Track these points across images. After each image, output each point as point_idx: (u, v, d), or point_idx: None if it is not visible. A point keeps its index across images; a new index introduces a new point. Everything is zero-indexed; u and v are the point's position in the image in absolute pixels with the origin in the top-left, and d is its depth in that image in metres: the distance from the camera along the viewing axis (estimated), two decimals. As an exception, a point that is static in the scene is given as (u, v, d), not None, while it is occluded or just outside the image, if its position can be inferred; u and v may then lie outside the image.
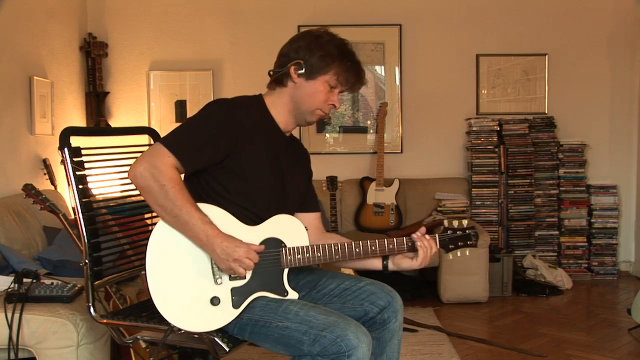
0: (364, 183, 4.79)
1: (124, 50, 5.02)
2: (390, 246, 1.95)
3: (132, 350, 2.55)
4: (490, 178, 4.87)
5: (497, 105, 5.08)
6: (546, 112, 5.04)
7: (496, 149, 4.86)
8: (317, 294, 2.01)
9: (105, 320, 2.00)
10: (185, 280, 1.81)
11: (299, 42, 1.94)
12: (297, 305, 1.80)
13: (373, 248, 1.94)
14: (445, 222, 2.01)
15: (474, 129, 4.89)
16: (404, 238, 1.95)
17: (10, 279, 2.43)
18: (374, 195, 4.73)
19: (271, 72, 1.99)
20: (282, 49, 1.98)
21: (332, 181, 4.44)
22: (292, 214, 2.04)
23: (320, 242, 1.93)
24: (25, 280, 2.42)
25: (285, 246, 1.89)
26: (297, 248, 1.89)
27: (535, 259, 4.69)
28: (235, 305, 1.83)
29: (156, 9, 5.03)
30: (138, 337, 2.05)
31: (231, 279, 1.83)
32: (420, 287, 4.48)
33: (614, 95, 5.08)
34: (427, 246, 1.93)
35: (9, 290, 2.35)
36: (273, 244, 1.88)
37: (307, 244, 1.91)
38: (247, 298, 1.84)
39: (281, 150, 2.00)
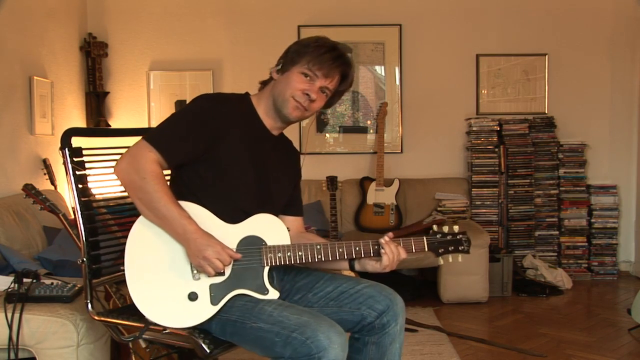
0: (364, 183, 4.79)
1: (124, 50, 5.02)
2: (376, 247, 1.90)
3: (132, 350, 2.55)
4: (490, 178, 4.87)
5: (497, 105, 5.08)
6: (546, 112, 5.04)
7: (496, 149, 4.86)
8: (313, 297, 1.98)
9: (96, 317, 2.01)
10: (163, 275, 1.81)
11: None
12: (272, 306, 1.77)
13: (357, 249, 1.90)
14: (435, 227, 1.96)
15: (474, 129, 4.89)
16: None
17: (10, 279, 2.42)
18: (374, 195, 4.73)
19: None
20: None
21: (332, 181, 4.44)
22: (277, 215, 2.02)
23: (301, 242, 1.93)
24: (25, 280, 2.42)
25: (265, 244, 1.87)
26: (278, 247, 1.87)
27: (535, 259, 4.69)
28: (214, 301, 1.81)
29: (156, 9, 5.03)
30: (137, 335, 2.05)
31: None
32: (420, 287, 4.49)
33: (614, 95, 5.08)
34: (393, 252, 1.87)
35: (9, 290, 2.35)
36: (253, 242, 1.87)
37: (288, 242, 1.89)
38: (225, 295, 1.82)
39: (267, 149, 2.00)
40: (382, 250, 1.87)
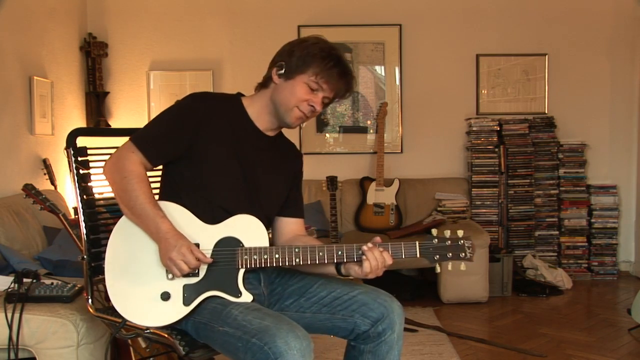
0: (364, 183, 4.79)
1: (124, 50, 5.02)
2: (360, 252, 1.79)
3: (132, 350, 2.55)
4: (490, 178, 4.87)
5: (497, 105, 5.08)
6: (546, 112, 5.04)
7: (496, 149, 4.86)
8: (305, 302, 1.92)
9: (94, 312, 2.02)
10: (139, 274, 1.82)
11: (285, 47, 1.95)
12: (239, 309, 1.73)
13: (339, 253, 1.81)
14: (434, 232, 1.81)
15: (474, 129, 4.89)
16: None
17: (10, 279, 2.42)
18: (374, 195, 4.73)
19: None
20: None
21: (332, 181, 4.44)
22: (270, 216, 2.01)
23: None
24: (25, 280, 2.42)
25: (242, 246, 1.83)
26: (254, 249, 1.82)
27: (535, 259, 4.69)
28: (186, 302, 1.80)
29: (156, 9, 5.03)
30: (113, 332, 2.04)
31: (184, 275, 1.79)
32: (420, 287, 4.49)
33: (614, 95, 5.08)
34: (377, 259, 1.77)
35: (9, 290, 2.34)
36: (230, 244, 1.83)
37: (267, 245, 1.84)
38: (198, 296, 1.80)
39: (256, 149, 1.96)
40: (364, 257, 1.78)
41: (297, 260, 1.81)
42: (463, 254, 1.80)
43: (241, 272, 1.83)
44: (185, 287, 1.81)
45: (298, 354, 1.58)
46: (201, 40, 5.04)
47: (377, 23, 5.03)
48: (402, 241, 1.83)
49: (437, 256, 1.81)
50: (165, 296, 1.79)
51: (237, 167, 1.92)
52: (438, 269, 1.83)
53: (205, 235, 1.84)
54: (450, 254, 1.80)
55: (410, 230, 4.54)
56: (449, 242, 1.81)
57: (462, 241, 1.81)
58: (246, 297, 1.82)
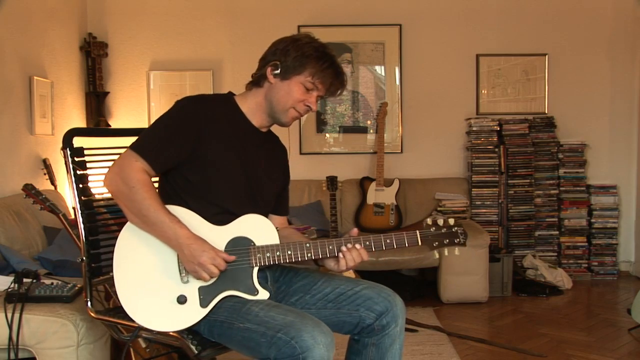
0: (364, 183, 4.79)
1: (124, 50, 5.02)
2: (367, 243, 1.90)
3: (132, 350, 2.55)
4: (490, 178, 4.87)
5: (497, 105, 5.08)
6: (546, 112, 5.04)
7: (496, 149, 4.86)
8: (311, 299, 1.96)
9: (95, 315, 2.02)
10: (151, 279, 1.81)
11: (277, 45, 1.96)
12: (260, 306, 1.76)
13: (349, 245, 1.89)
14: (429, 220, 1.95)
15: (474, 129, 4.89)
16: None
17: (10, 279, 2.42)
18: (374, 195, 4.73)
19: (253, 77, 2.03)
20: (263, 54, 2.00)
21: (332, 181, 4.44)
22: (268, 213, 2.03)
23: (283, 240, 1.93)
24: (25, 280, 2.42)
25: (254, 245, 1.86)
26: (267, 247, 1.86)
27: (535, 259, 4.69)
28: (203, 304, 1.80)
29: (156, 9, 5.03)
30: (129, 337, 2.04)
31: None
32: (420, 287, 4.49)
33: (614, 95, 5.08)
34: (353, 259, 1.87)
35: (9, 290, 2.34)
36: (242, 243, 1.86)
37: (277, 242, 1.88)
38: (215, 297, 1.81)
39: (254, 147, 1.99)
40: (340, 255, 1.88)
41: (309, 255, 1.88)
42: (457, 240, 1.95)
43: (255, 270, 1.85)
44: (201, 289, 1.81)
45: (324, 348, 1.63)
46: (201, 40, 5.05)
47: (377, 23, 5.02)
48: (403, 232, 1.94)
49: (436, 243, 1.93)
50: (182, 299, 1.80)
51: (240, 167, 1.94)
52: (436, 255, 1.98)
53: (215, 237, 1.84)
54: (447, 240, 1.94)
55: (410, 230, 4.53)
56: (444, 229, 1.94)
57: (455, 228, 1.95)
58: (263, 294, 1.85)
